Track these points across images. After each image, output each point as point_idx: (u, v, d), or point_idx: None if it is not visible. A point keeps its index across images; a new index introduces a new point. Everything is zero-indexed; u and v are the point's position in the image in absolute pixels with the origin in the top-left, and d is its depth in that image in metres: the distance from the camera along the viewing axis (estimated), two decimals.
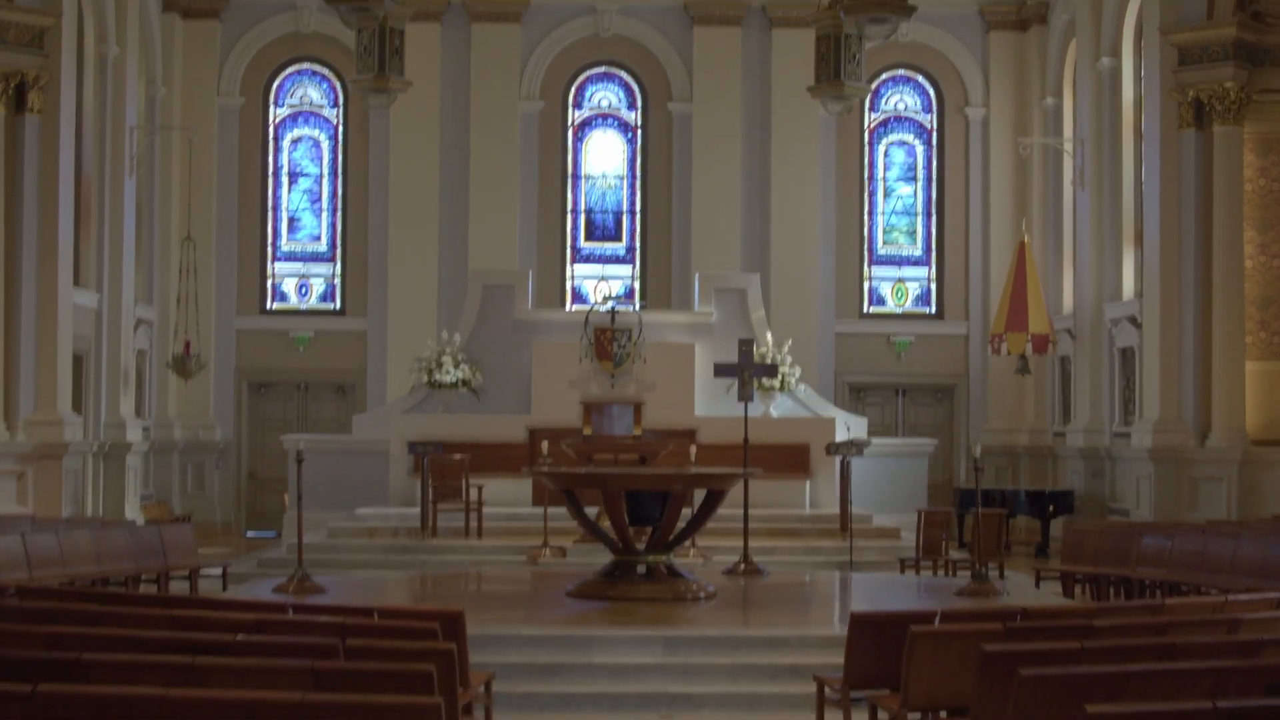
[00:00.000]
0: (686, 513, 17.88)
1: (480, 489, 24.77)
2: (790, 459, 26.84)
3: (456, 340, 27.95)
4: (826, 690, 11.98)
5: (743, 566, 19.61)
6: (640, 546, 17.11)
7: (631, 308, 28.40)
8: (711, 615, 16.04)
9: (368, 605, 13.31)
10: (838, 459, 25.02)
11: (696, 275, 29.75)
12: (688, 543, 22.75)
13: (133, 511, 29.37)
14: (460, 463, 24.95)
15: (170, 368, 30.73)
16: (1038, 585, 21.14)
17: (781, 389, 27.91)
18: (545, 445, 23.65)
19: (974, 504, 28.80)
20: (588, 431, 26.81)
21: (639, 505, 17.07)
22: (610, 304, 27.50)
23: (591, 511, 18.80)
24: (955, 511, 29.79)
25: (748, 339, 19.96)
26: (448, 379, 27.38)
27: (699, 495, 18.13)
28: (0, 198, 25.42)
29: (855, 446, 24.11)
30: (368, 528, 25.26)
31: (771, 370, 20.02)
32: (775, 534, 24.85)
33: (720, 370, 19.74)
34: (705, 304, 28.76)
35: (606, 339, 27.24)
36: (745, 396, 19.52)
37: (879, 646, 11.56)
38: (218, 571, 21.00)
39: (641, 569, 16.84)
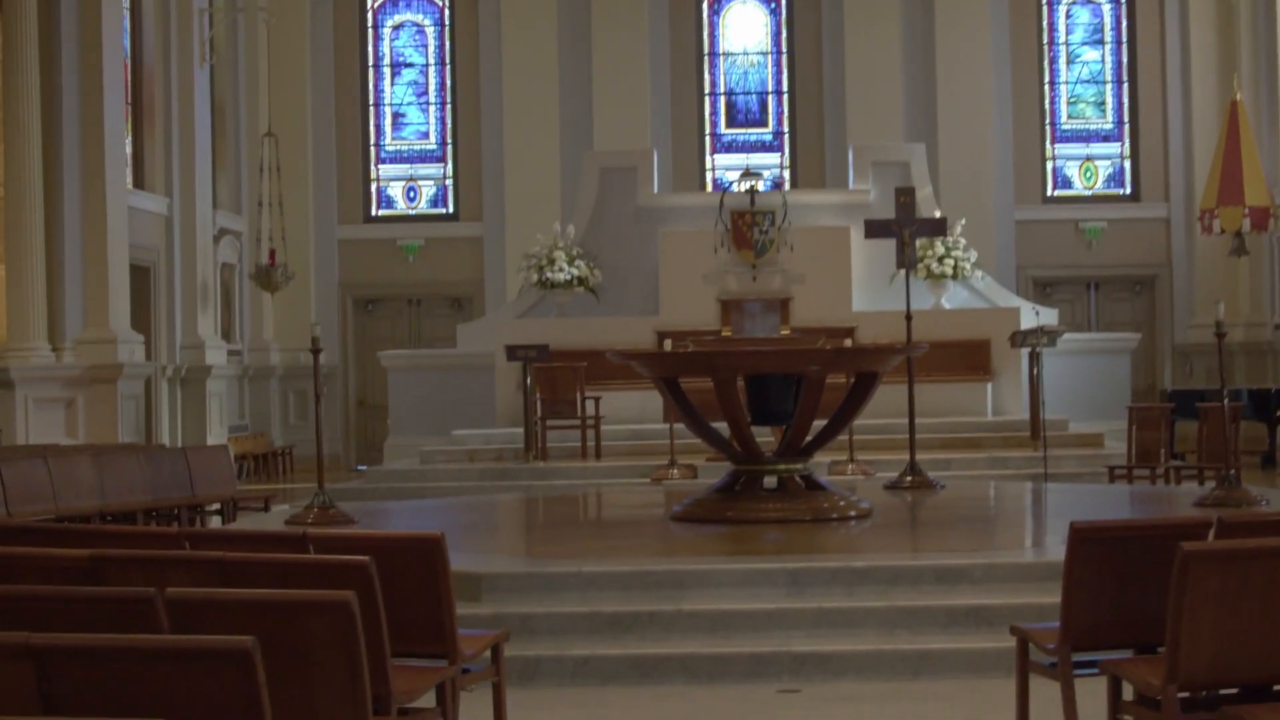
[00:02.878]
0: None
1: (598, 402, 20.42)
2: (967, 358, 22.23)
3: (570, 233, 23.54)
4: (1032, 651, 7.41)
5: (909, 479, 15.02)
6: (771, 455, 12.59)
7: (770, 184, 23.80)
8: (863, 540, 11.52)
9: (345, 535, 9.01)
10: (1025, 353, 20.34)
11: (850, 147, 25.03)
12: (846, 458, 18.34)
13: (217, 444, 25.34)
14: (574, 372, 20.61)
15: (254, 281, 26.63)
16: None
17: (955, 277, 23.19)
18: (669, 345, 19.21)
19: (1186, 409, 24.09)
20: (726, 333, 22.41)
21: (766, 398, 12.57)
22: (750, 182, 22.89)
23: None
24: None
25: (907, 187, 15.26)
26: (561, 278, 22.98)
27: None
28: (35, 84, 21.26)
29: (1046, 335, 19.36)
30: (467, 450, 21.08)
31: (939, 226, 15.27)
32: (951, 445, 20.36)
33: (873, 229, 15.07)
34: (861, 181, 24.08)
35: (745, 224, 22.72)
36: (906, 262, 14.89)
37: (1116, 580, 6.99)
38: (260, 506, 16.82)
39: (770, 481, 12.35)
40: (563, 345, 22.06)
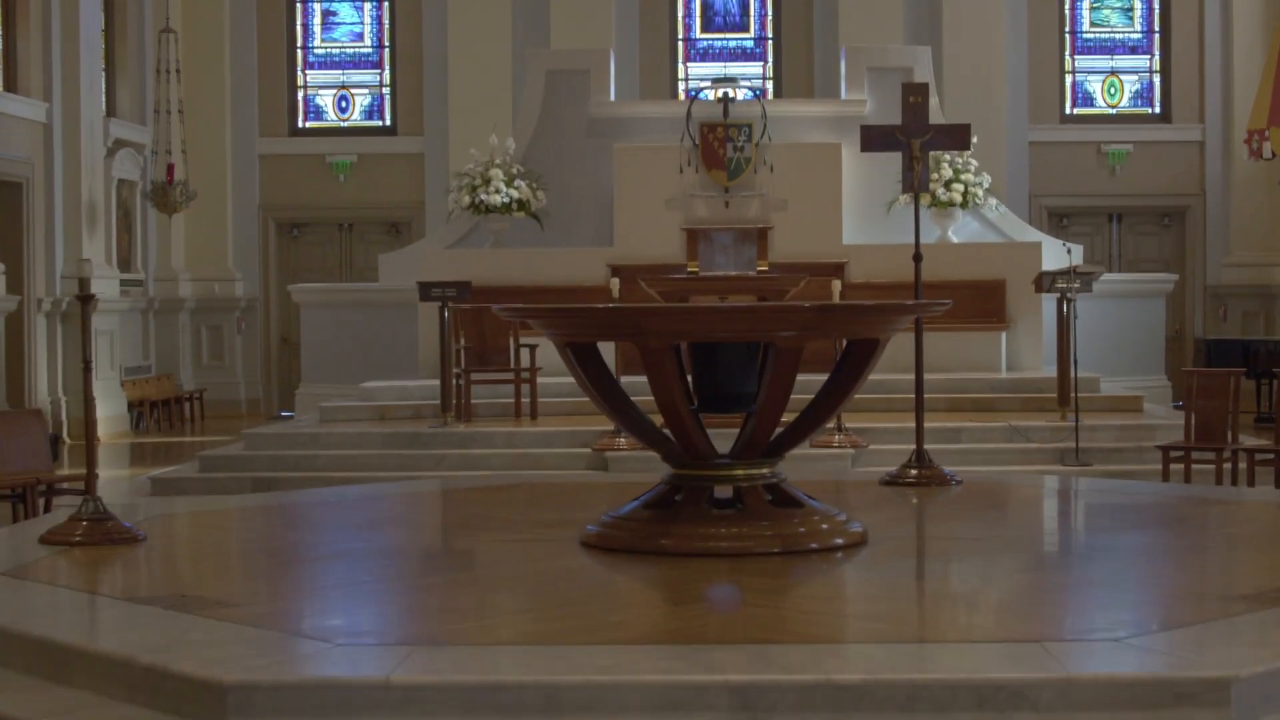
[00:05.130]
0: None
1: (534, 351, 16.51)
2: (979, 302, 18.39)
3: (510, 147, 19.54)
4: None
5: (915, 472, 11.10)
6: (725, 453, 8.63)
7: (751, 95, 19.84)
8: (851, 602, 7.54)
9: None
10: (1053, 298, 16.46)
11: (843, 50, 20.96)
12: (833, 426, 14.53)
13: (109, 389, 21.48)
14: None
15: (149, 200, 22.55)
16: None
17: (965, 205, 19.28)
18: (615, 285, 15.34)
19: (1221, 361, 20.36)
20: (693, 268, 18.56)
21: (718, 372, 8.64)
22: (724, 90, 18.92)
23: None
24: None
25: (918, 83, 11.24)
26: (497, 200, 19.01)
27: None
28: None
29: (1079, 278, 15.43)
30: (378, 407, 17.17)
31: (961, 136, 11.20)
32: (960, 408, 16.57)
33: (873, 139, 11.06)
34: (855, 90, 20.08)
35: (717, 139, 18.81)
36: (916, 185, 10.90)
37: None
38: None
39: (724, 492, 8.43)
40: (498, 281, 18.33)
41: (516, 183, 19.11)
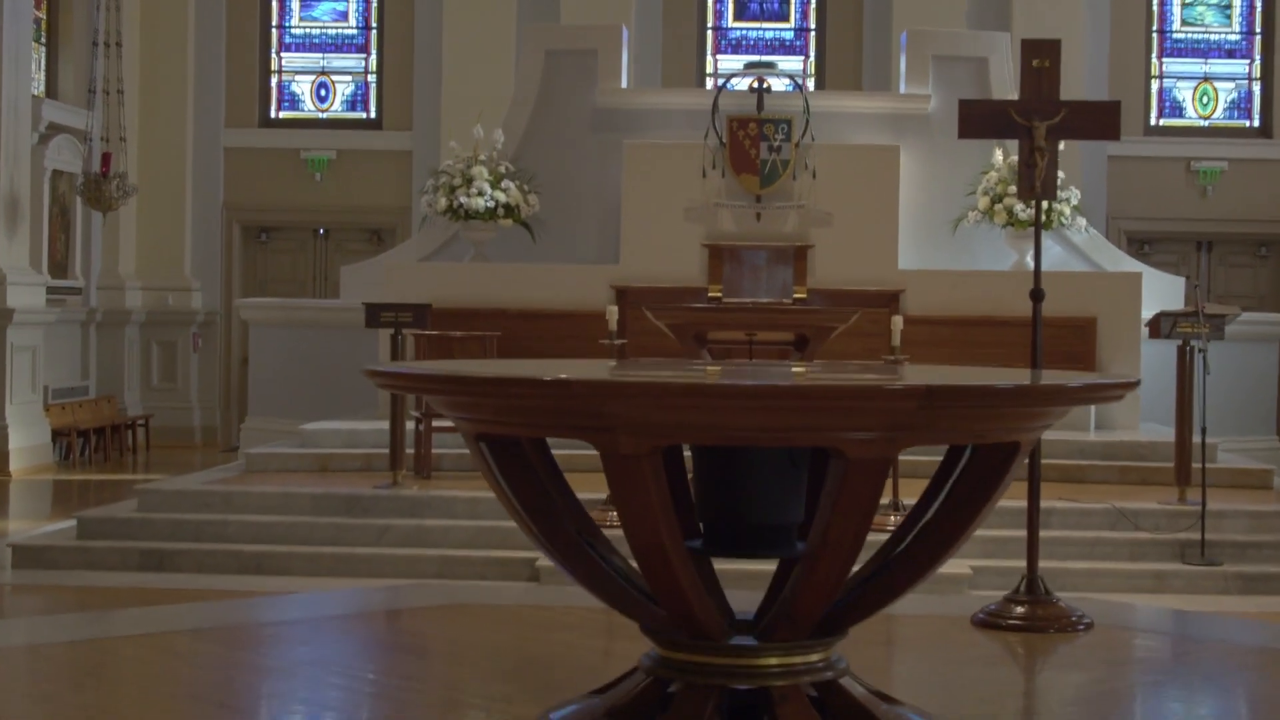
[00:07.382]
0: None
1: None
2: (1064, 344, 14.92)
3: (498, 140, 15.97)
4: None
5: (1023, 609, 7.40)
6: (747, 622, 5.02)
7: (791, 85, 16.24)
8: None
9: None
10: (1174, 345, 12.80)
11: (904, 36, 17.29)
12: (886, 501, 11.03)
13: (28, 414, 17.96)
14: (481, 344, 13.33)
15: (82, 196, 18.99)
16: None
17: (1048, 225, 15.69)
18: (613, 314, 11.81)
19: None
20: (715, 293, 15.01)
21: (740, 490, 5.01)
22: (758, 78, 15.39)
23: None
24: None
25: (1046, 40, 7.48)
26: (479, 204, 15.44)
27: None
28: None
29: (1209, 323, 11.75)
30: (320, 456, 13.65)
31: (1107, 120, 7.29)
32: (1045, 480, 12.80)
33: (974, 120, 7.15)
34: (917, 84, 16.45)
35: (749, 137, 15.28)
36: (1038, 187, 7.12)
37: None
38: None
39: (743, 687, 4.80)
40: (477, 302, 15.00)
41: (504, 183, 15.55)
